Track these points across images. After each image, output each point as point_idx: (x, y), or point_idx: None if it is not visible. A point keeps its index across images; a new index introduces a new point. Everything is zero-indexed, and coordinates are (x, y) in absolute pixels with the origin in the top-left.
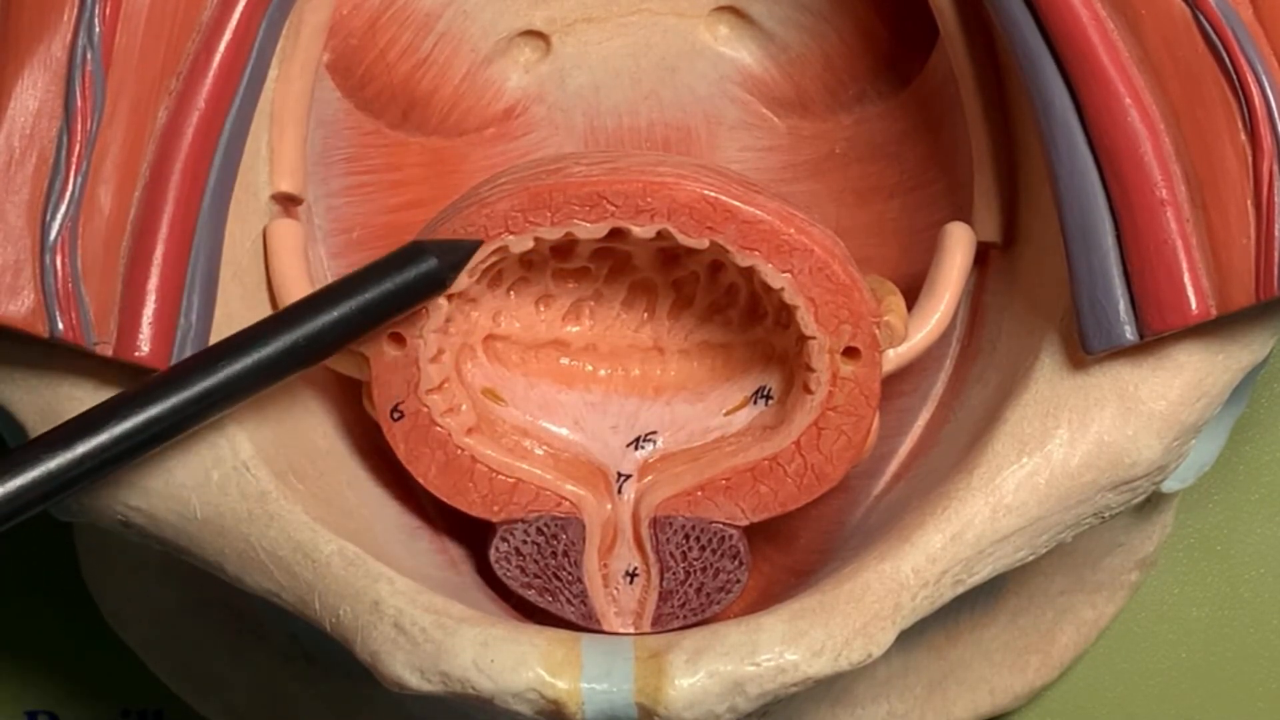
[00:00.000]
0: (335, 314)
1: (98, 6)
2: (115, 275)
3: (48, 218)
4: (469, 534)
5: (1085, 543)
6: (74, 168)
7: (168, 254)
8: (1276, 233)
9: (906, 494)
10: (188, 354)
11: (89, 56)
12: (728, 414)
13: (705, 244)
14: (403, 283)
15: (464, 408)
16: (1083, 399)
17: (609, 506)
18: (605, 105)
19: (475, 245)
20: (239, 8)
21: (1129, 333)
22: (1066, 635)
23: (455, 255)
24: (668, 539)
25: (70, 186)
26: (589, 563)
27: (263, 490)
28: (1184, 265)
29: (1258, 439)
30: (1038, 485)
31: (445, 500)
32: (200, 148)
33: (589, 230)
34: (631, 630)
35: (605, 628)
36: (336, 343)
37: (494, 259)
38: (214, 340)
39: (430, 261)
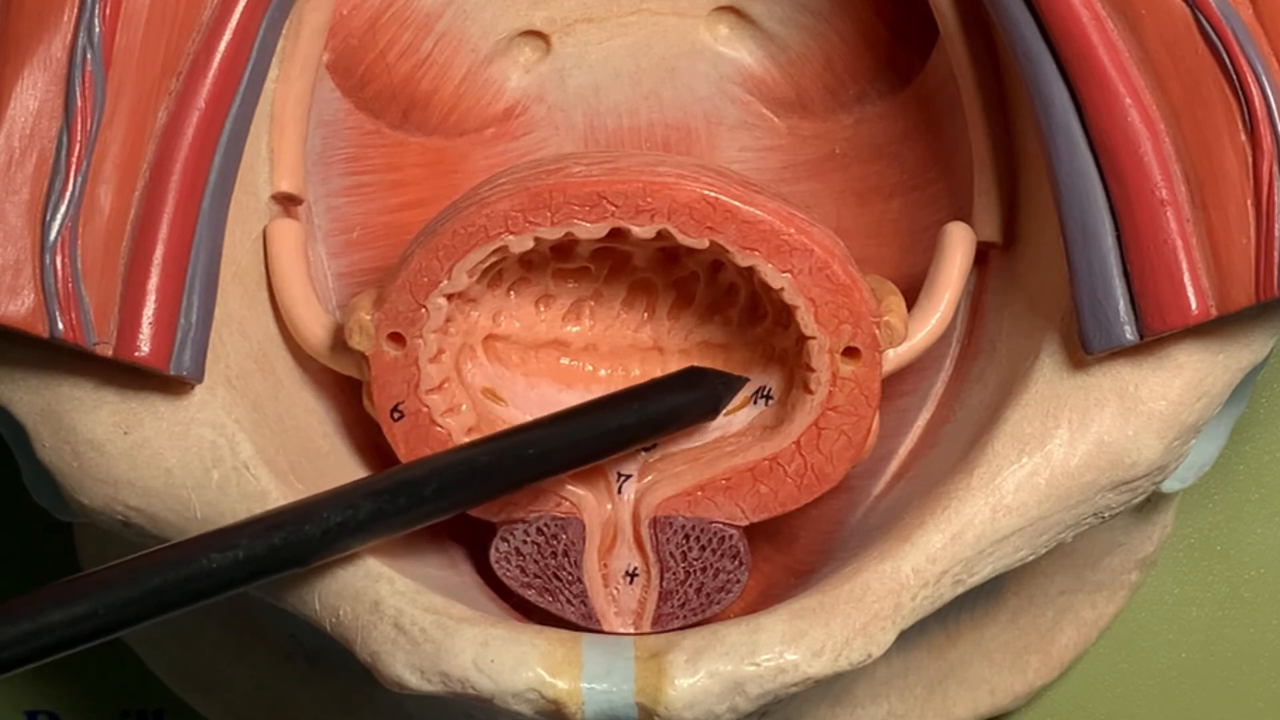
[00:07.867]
0: (616, 422)
1: (98, 6)
2: (115, 275)
3: (48, 218)
4: (469, 534)
5: (1085, 543)
6: (74, 168)
7: (168, 254)
8: (1276, 233)
9: (906, 494)
10: (187, 354)
11: (89, 56)
12: (728, 414)
13: (705, 244)
14: (681, 403)
15: (464, 408)
16: (1083, 399)
17: (609, 506)
18: (605, 105)
19: (743, 381)
20: (239, 8)
21: (1129, 333)
22: (1066, 635)
23: (731, 384)
24: (668, 539)
25: (70, 186)
26: (589, 563)
27: (263, 490)
28: (1184, 265)
29: (1258, 439)
30: (1038, 485)
31: None
32: (200, 148)
33: (589, 230)
34: (631, 630)
35: (605, 628)
36: (612, 449)
37: (494, 259)
38: (213, 339)
39: (708, 386)
